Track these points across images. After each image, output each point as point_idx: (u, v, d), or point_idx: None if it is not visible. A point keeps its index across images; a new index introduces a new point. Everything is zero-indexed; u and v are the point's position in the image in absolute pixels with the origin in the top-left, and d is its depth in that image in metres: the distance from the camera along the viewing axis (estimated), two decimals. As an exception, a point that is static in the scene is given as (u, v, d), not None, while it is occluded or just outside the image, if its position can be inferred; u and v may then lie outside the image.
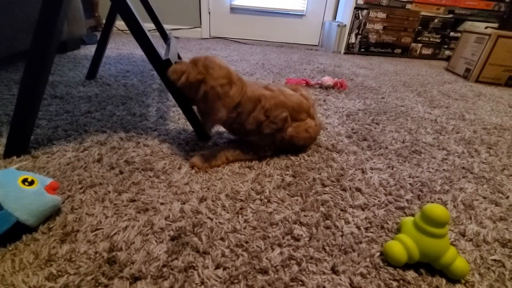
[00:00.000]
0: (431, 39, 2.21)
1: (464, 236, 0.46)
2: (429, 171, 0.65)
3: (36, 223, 0.40)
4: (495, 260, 0.42)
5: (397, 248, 0.39)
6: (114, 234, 0.41)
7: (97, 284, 0.34)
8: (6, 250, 0.37)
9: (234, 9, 2.29)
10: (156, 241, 0.40)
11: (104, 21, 1.00)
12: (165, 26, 1.22)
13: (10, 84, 0.91)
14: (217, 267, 0.37)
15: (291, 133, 0.62)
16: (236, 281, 0.36)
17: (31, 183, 0.41)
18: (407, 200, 0.54)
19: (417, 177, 0.62)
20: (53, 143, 0.62)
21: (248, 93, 0.57)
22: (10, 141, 0.55)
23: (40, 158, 0.56)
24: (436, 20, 2.14)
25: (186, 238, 0.41)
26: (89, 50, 1.49)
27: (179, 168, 0.57)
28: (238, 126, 0.59)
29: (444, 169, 0.66)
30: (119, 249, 0.38)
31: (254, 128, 0.58)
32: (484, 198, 0.57)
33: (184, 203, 0.48)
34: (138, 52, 1.55)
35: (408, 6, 2.07)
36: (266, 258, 0.39)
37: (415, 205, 0.53)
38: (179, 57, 1.27)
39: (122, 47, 1.65)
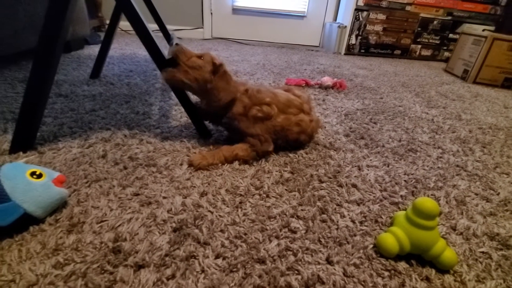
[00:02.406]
0: (430, 41, 2.23)
1: (455, 230, 0.48)
2: (424, 169, 0.67)
3: (43, 214, 0.41)
4: (483, 252, 0.44)
5: (389, 240, 0.40)
6: (119, 225, 0.42)
7: (102, 271, 0.36)
8: (13, 241, 0.38)
9: (236, 10, 2.32)
10: (159, 232, 0.42)
11: (107, 22, 1.02)
12: (168, 27, 1.24)
13: (14, 83, 0.93)
14: (217, 256, 0.39)
15: (281, 124, 0.64)
16: (235, 269, 0.37)
17: (39, 176, 0.42)
18: (401, 196, 0.56)
19: (412, 174, 0.64)
20: (58, 140, 0.64)
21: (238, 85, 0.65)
22: (17, 137, 0.57)
23: (46, 154, 0.58)
24: (435, 22, 2.15)
25: (188, 229, 0.43)
26: (93, 50, 1.51)
27: (181, 164, 0.59)
28: (228, 119, 0.64)
29: (438, 167, 0.68)
30: (124, 240, 0.40)
31: (241, 112, 0.63)
32: (476, 194, 0.59)
33: (185, 197, 0.50)
34: (141, 52, 1.57)
35: (408, 8, 2.09)
36: (264, 249, 0.41)
37: (409, 200, 0.55)
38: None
39: (125, 47, 1.67)
